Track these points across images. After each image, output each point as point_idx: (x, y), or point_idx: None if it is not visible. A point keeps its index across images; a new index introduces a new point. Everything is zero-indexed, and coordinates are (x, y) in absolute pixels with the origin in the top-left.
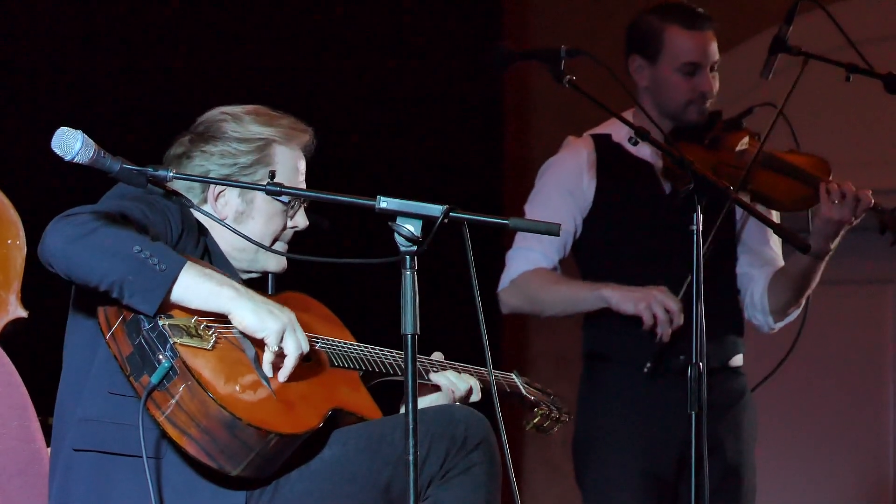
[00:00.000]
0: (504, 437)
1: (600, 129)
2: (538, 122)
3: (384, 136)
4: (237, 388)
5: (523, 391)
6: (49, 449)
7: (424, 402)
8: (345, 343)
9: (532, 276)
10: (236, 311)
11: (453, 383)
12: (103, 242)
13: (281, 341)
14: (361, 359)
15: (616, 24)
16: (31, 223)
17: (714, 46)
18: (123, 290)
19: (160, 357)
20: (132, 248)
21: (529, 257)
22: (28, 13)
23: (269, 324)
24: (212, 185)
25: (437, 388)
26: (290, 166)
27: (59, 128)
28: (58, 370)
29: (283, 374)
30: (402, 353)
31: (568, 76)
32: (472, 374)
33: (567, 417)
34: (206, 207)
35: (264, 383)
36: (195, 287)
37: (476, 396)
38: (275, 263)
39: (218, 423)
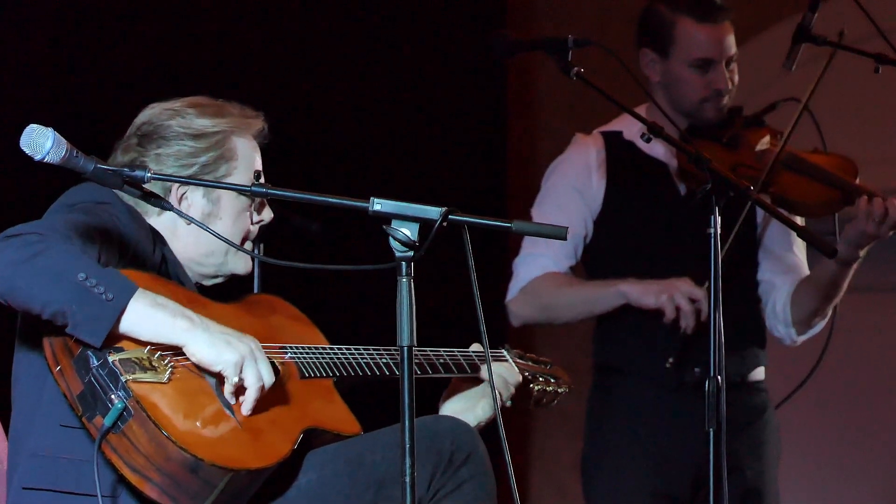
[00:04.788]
0: (504, 441)
1: (611, 126)
2: (544, 118)
3: (379, 132)
4: (198, 422)
5: (515, 369)
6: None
7: (462, 399)
8: (316, 349)
9: (543, 281)
10: (190, 343)
11: (506, 381)
12: (46, 268)
13: (240, 372)
14: (334, 364)
15: (627, 12)
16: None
17: (730, 39)
18: (67, 320)
19: (112, 397)
20: (77, 274)
21: (538, 263)
22: None
23: (226, 356)
24: (174, 188)
25: (476, 383)
26: (251, 156)
27: (28, 125)
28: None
29: (245, 408)
30: (378, 350)
31: (576, 68)
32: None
33: (566, 389)
34: (167, 213)
35: (227, 412)
36: (146, 318)
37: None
38: (242, 266)
39: (179, 466)
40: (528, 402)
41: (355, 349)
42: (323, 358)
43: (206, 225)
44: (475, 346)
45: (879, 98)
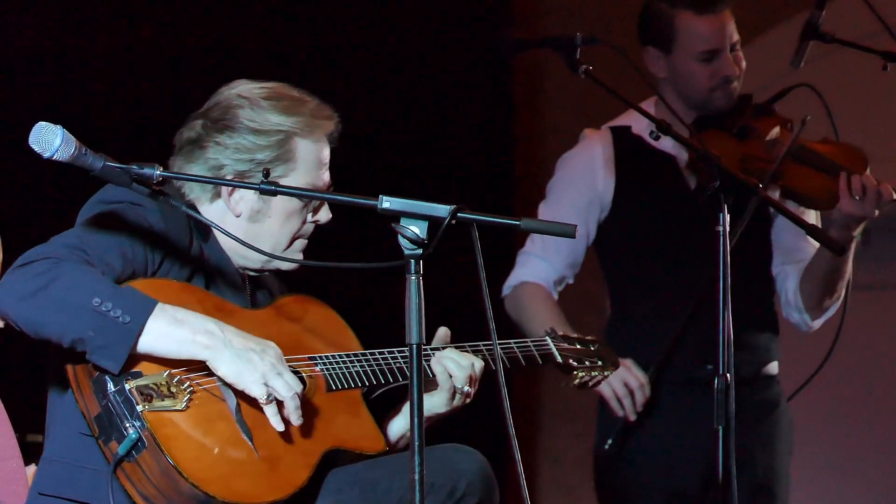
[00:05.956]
0: (513, 439)
1: (619, 121)
2: (551, 116)
3: (387, 130)
4: (212, 454)
5: (558, 358)
6: (30, 467)
7: (430, 399)
8: (346, 357)
9: (526, 293)
10: (212, 361)
11: (452, 371)
12: (58, 297)
13: (268, 388)
14: (363, 373)
15: (632, 8)
16: (8, 226)
17: (731, 26)
18: (86, 347)
19: (127, 426)
20: (91, 300)
21: (532, 265)
22: None
23: (247, 376)
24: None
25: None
26: (313, 160)
27: (37, 123)
28: (37, 384)
29: (294, 419)
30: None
31: (583, 66)
32: (475, 355)
33: (611, 371)
34: (219, 203)
35: (245, 437)
36: (165, 336)
37: (479, 367)
38: (288, 263)
39: (190, 500)
40: (571, 385)
41: (388, 352)
42: (353, 367)
43: (251, 223)
44: (441, 332)
45: (889, 95)
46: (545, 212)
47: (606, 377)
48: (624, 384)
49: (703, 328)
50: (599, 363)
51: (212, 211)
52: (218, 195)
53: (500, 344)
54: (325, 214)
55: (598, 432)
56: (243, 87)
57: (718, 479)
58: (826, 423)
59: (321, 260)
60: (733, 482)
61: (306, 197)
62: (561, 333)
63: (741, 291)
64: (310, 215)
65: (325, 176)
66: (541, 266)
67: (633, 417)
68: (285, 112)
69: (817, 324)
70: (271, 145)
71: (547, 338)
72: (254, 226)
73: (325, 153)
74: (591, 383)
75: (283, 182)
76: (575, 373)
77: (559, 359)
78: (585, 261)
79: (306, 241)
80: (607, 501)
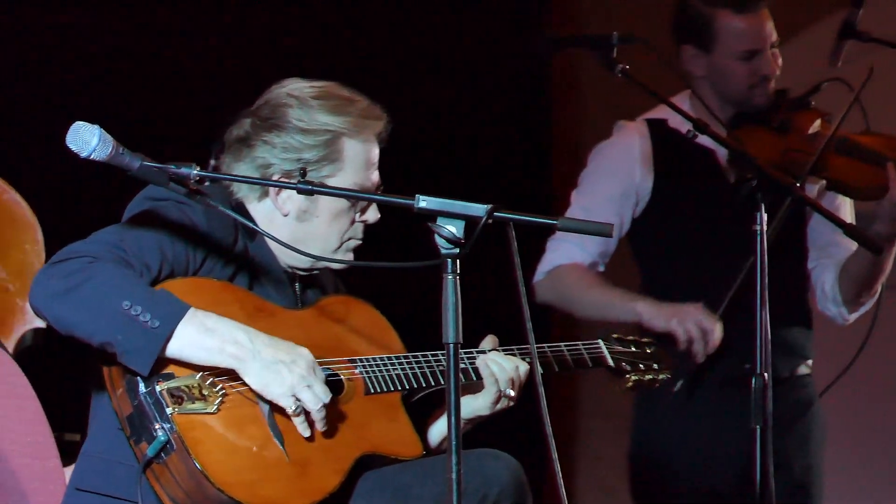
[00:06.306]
0: (550, 437)
1: (655, 113)
2: (589, 114)
3: (425, 128)
4: (241, 459)
5: (610, 361)
6: (68, 468)
7: (474, 400)
8: (388, 359)
9: (566, 272)
10: (240, 370)
11: (495, 373)
12: (90, 298)
13: (296, 400)
14: (403, 377)
15: (666, 6)
16: (49, 225)
17: (770, 25)
18: (115, 350)
19: (157, 428)
20: (121, 303)
21: (565, 249)
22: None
23: (275, 388)
24: (274, 178)
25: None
26: (361, 160)
27: (74, 123)
28: (74, 383)
29: (319, 427)
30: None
31: (620, 65)
32: (523, 359)
33: (666, 375)
34: (266, 202)
35: (276, 441)
36: (194, 345)
37: (524, 370)
38: (333, 263)
39: None
40: (623, 389)
41: (432, 356)
42: (393, 370)
43: (299, 222)
44: (489, 339)
45: None
46: (578, 201)
47: (662, 380)
48: (699, 327)
49: (740, 327)
50: (655, 366)
51: (259, 210)
52: (265, 194)
53: (550, 347)
54: (372, 214)
55: (633, 433)
56: (294, 86)
57: (755, 478)
58: (856, 421)
59: (360, 259)
60: (771, 482)
61: (343, 196)
62: (615, 336)
63: (777, 289)
64: (357, 215)
65: (374, 176)
66: (574, 250)
67: (700, 360)
68: (334, 112)
69: (854, 317)
70: (318, 145)
71: (599, 340)
72: (301, 225)
73: (374, 153)
74: (643, 387)
75: (330, 182)
76: (628, 376)
77: (611, 362)
78: (617, 258)
79: (359, 242)
80: (643, 500)
